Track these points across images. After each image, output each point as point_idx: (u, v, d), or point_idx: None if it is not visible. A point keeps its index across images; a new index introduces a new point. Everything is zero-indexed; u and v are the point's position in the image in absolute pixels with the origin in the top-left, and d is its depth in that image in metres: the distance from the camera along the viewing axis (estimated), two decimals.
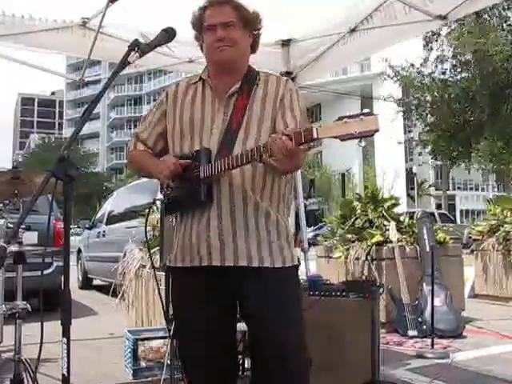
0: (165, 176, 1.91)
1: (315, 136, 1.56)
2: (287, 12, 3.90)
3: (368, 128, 1.51)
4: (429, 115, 20.67)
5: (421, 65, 20.15)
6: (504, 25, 17.99)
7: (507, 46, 17.22)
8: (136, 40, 1.73)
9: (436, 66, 20.01)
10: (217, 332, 1.89)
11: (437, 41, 19.53)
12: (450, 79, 19.97)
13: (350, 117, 1.53)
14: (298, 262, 1.97)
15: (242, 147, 1.84)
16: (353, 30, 4.11)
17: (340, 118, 1.54)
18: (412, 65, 20.31)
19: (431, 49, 19.78)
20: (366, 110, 1.55)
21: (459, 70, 19.57)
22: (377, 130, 1.51)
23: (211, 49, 1.92)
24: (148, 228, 3.76)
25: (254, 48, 2.02)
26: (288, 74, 4.55)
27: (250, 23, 1.95)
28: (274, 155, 1.64)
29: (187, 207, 1.91)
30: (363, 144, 1.59)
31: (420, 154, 25.16)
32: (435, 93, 20.02)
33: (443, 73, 20.14)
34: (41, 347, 1.72)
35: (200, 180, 1.84)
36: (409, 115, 22.80)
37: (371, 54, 4.76)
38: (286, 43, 4.50)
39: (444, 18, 3.75)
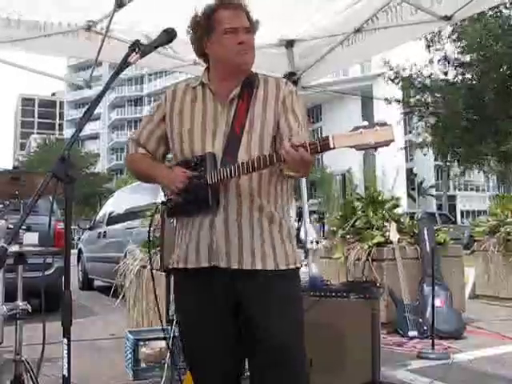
0: (177, 189, 1.88)
1: (331, 146, 1.57)
2: (291, 12, 3.86)
3: (383, 139, 1.53)
4: (430, 117, 20.65)
5: (425, 66, 20.12)
6: (505, 26, 17.98)
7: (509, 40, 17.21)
8: (137, 41, 1.72)
9: (443, 65, 19.95)
10: (220, 333, 1.89)
11: (439, 42, 19.50)
12: (453, 79, 19.94)
13: (365, 127, 1.54)
14: (300, 264, 1.97)
15: (246, 151, 1.84)
16: (357, 31, 4.10)
17: (355, 128, 1.55)
18: (415, 65, 20.29)
19: (434, 49, 19.75)
20: (381, 121, 1.57)
21: (462, 69, 19.55)
22: (392, 141, 1.52)
23: (232, 52, 1.89)
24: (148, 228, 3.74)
25: None
26: (292, 74, 4.53)
27: (255, 30, 1.96)
28: (288, 165, 1.66)
29: (192, 211, 1.90)
30: (377, 153, 1.60)
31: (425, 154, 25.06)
32: (436, 94, 20.01)
33: (445, 73, 20.10)
34: (43, 348, 1.72)
35: (207, 186, 1.83)
36: (410, 117, 22.79)
37: (376, 55, 4.75)
38: (290, 44, 4.49)
39: (449, 18, 3.74)
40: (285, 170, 1.76)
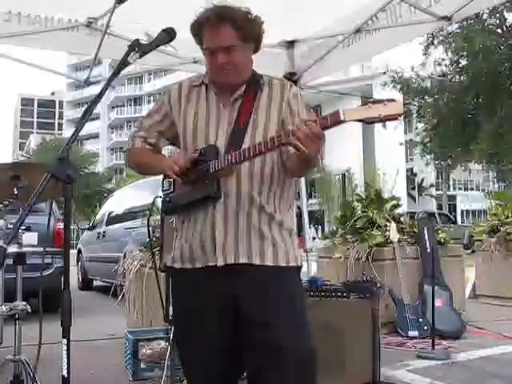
0: (174, 171, 1.86)
1: (342, 118, 1.57)
2: (291, 13, 3.86)
3: (392, 112, 1.55)
4: (429, 117, 20.69)
5: (424, 66, 20.17)
6: (504, 26, 18.01)
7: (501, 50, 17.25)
8: (136, 40, 1.72)
9: (437, 67, 20.01)
10: (217, 334, 1.88)
11: (439, 43, 19.52)
12: (448, 81, 19.99)
13: (374, 102, 1.57)
14: (301, 263, 1.96)
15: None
16: (357, 31, 4.10)
17: (365, 103, 1.57)
18: (416, 73, 20.31)
19: (429, 54, 19.80)
20: (389, 97, 1.61)
21: (456, 70, 19.59)
22: (400, 114, 1.56)
23: (213, 71, 1.90)
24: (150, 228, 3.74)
25: (256, 50, 1.97)
26: (292, 74, 4.53)
27: (252, 35, 1.89)
28: (299, 141, 1.61)
29: (191, 206, 1.89)
30: (387, 128, 1.62)
31: (424, 155, 25.05)
32: (435, 95, 20.05)
33: (443, 75, 20.14)
34: (39, 348, 1.72)
35: (209, 174, 1.82)
36: (410, 119, 22.81)
37: (375, 55, 4.78)
38: (290, 44, 4.49)
39: (449, 18, 3.74)
40: (292, 142, 1.64)
